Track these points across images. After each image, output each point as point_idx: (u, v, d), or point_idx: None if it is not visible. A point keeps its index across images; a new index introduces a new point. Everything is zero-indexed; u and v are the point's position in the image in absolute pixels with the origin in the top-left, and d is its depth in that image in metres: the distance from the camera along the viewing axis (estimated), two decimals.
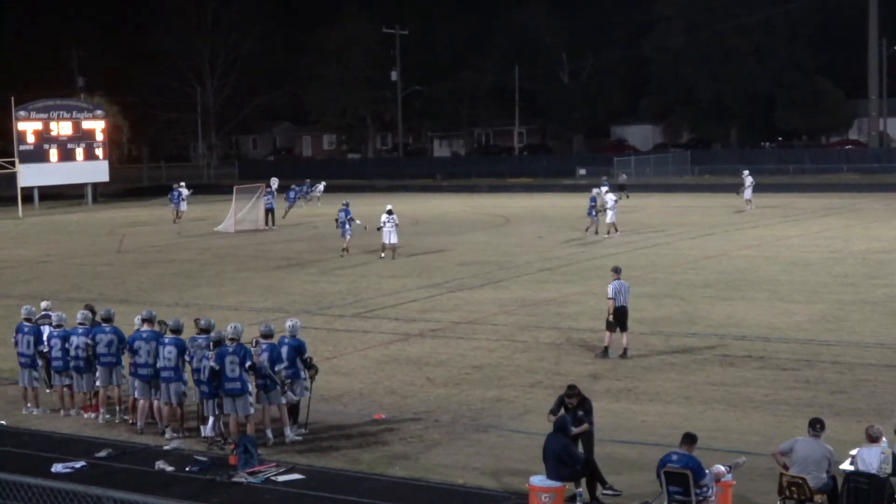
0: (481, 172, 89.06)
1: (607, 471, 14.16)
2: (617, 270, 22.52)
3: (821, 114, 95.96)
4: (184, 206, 57.11)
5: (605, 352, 21.80)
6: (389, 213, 38.19)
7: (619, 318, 21.72)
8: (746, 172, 54.68)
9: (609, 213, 43.06)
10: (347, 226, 39.20)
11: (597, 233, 43.20)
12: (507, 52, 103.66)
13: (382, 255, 37.95)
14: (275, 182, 55.70)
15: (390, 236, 37.90)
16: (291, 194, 58.90)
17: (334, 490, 14.61)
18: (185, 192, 57.22)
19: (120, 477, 15.11)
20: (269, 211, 52.03)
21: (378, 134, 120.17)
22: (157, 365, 17.40)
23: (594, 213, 43.58)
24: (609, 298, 21.81)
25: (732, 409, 17.88)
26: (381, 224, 38.11)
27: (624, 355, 21.69)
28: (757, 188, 54.69)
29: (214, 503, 14.31)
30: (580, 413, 14.53)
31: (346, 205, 40.57)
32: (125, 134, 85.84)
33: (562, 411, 14.63)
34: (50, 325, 19.43)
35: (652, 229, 45.17)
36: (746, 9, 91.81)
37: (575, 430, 14.29)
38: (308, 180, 66.23)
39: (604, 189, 46.08)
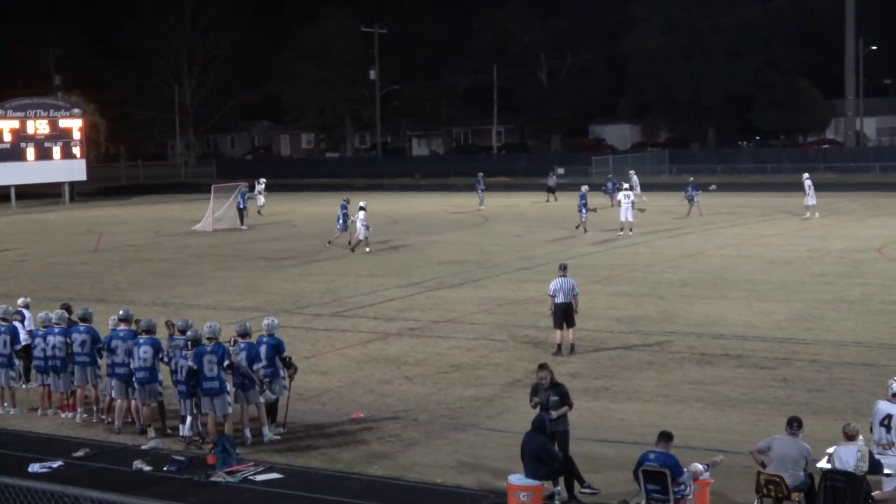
0: (460, 171, 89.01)
1: (585, 469, 14.17)
2: (563, 268, 22.68)
3: (798, 113, 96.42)
4: (262, 199, 57.25)
5: (558, 349, 21.91)
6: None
7: (562, 315, 21.88)
8: (806, 175, 49.61)
9: (624, 210, 43.30)
10: (341, 221, 40.97)
11: (585, 231, 43.88)
12: (486, 52, 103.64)
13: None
14: (262, 182, 56.16)
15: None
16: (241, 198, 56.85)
17: (313, 489, 14.58)
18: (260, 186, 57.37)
19: (97, 477, 15.05)
20: (239, 210, 51.64)
21: (356, 133, 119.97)
22: (133, 366, 17.34)
23: (585, 211, 44.31)
24: (549, 295, 22.15)
25: (710, 408, 17.93)
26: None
27: (572, 351, 21.93)
28: (734, 188, 54.21)
29: (192, 503, 14.27)
30: (555, 398, 14.54)
31: (347, 201, 42.36)
32: (102, 133, 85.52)
33: (538, 398, 14.66)
34: (22, 321, 19.43)
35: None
36: (724, 8, 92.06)
37: (555, 414, 14.32)
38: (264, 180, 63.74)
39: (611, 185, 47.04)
